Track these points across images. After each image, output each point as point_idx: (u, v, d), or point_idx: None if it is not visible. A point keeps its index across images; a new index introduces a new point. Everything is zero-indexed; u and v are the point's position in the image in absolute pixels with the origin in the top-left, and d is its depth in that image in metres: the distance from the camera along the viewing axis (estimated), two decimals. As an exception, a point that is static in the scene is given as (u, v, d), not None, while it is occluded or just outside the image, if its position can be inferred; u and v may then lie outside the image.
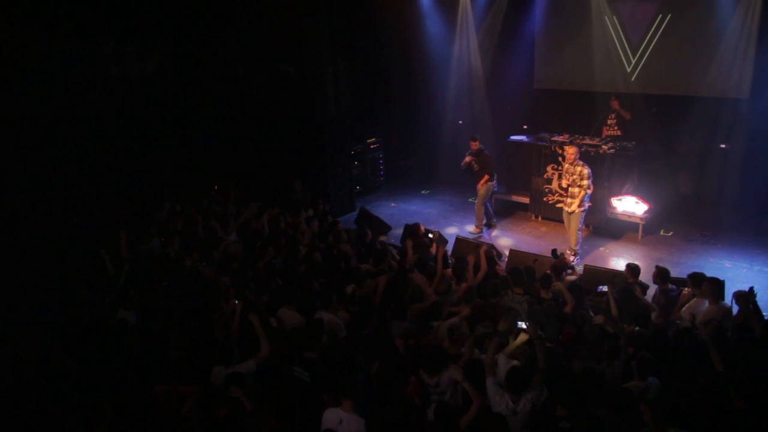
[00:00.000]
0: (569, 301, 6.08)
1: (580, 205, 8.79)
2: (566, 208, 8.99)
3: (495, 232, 10.29)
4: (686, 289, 6.43)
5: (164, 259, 7.30)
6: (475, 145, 9.96)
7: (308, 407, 4.45)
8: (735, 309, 5.89)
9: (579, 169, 8.77)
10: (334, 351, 5.13)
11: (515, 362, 4.84)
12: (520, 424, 4.30)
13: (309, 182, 10.60)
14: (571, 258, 8.75)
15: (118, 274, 6.65)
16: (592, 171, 8.87)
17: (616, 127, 10.64)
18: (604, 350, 4.83)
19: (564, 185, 8.98)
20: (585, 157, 9.40)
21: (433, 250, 8.20)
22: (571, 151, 8.87)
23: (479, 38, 12.44)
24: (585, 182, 8.72)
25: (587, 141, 10.11)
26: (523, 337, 4.93)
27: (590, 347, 5.05)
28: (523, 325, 4.99)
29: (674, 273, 7.06)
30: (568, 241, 9.15)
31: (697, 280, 6.14)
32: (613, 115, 10.66)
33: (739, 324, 5.55)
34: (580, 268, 8.14)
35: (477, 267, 6.85)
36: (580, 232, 8.96)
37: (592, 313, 6.12)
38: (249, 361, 4.80)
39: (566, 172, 8.95)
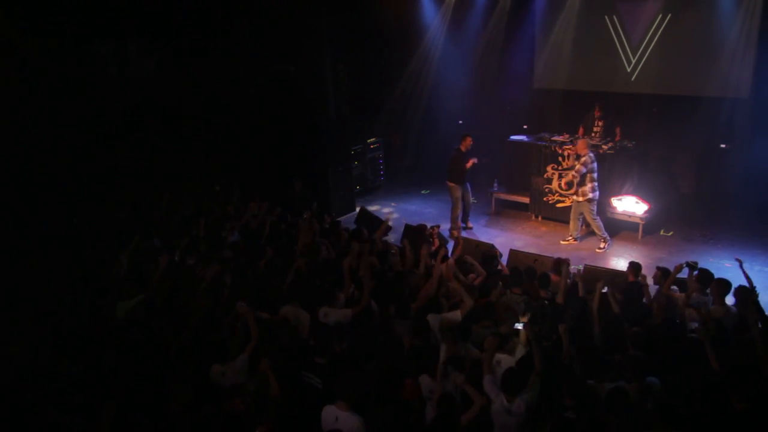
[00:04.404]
0: (561, 291, 6.07)
1: (583, 194, 9.07)
2: (576, 198, 9.30)
3: (494, 232, 10.30)
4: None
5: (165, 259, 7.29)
6: (470, 141, 10.05)
7: (320, 413, 4.44)
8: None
9: (584, 159, 9.05)
10: (343, 354, 5.11)
11: (516, 358, 4.86)
12: (515, 424, 4.31)
13: (309, 182, 10.60)
14: (602, 245, 9.27)
15: (116, 274, 6.66)
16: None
17: (601, 134, 10.60)
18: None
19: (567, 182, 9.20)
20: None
21: (435, 246, 8.22)
22: (580, 144, 9.19)
23: (479, 38, 12.44)
24: (577, 165, 9.04)
25: (587, 141, 10.10)
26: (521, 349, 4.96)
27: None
28: (519, 326, 4.99)
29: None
30: (569, 231, 9.60)
31: (706, 278, 6.13)
32: (600, 123, 10.62)
33: (737, 322, 5.56)
34: (580, 268, 8.16)
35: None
36: (597, 220, 9.20)
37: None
38: (242, 355, 4.83)
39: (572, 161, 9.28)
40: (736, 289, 5.88)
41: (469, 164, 9.96)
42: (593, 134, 10.63)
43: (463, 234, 9.91)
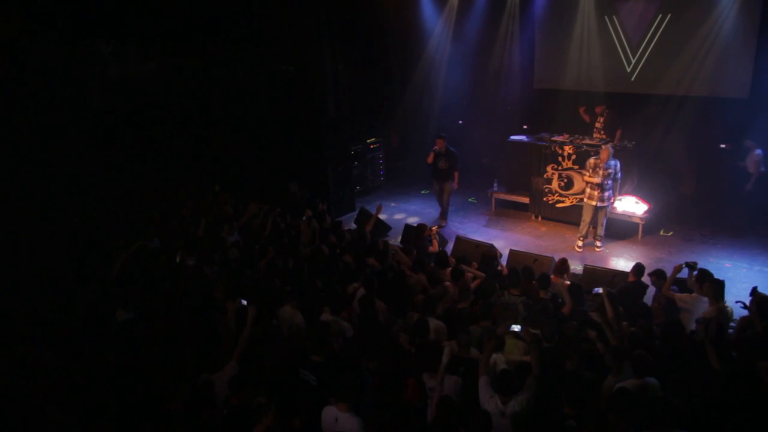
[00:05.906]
0: (567, 302, 6.07)
1: (606, 199, 9.04)
2: (596, 203, 8.98)
3: (494, 232, 10.30)
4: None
5: (165, 258, 7.30)
6: (441, 144, 10.21)
7: (315, 410, 4.44)
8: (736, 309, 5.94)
9: (614, 163, 8.96)
10: (339, 353, 5.11)
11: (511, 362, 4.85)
12: (509, 426, 4.29)
13: (309, 182, 10.60)
14: (598, 244, 9.23)
15: (114, 274, 6.66)
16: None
17: (602, 131, 10.65)
18: (610, 360, 4.80)
19: (595, 181, 8.97)
20: (585, 156, 9.44)
21: (434, 248, 8.22)
22: (606, 151, 8.93)
23: (479, 38, 12.44)
24: (619, 174, 9.01)
25: (587, 141, 10.12)
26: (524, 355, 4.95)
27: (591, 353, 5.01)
28: (516, 328, 4.98)
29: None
30: (578, 231, 9.36)
31: (702, 277, 6.15)
32: (601, 119, 10.68)
33: (743, 324, 5.58)
34: (580, 268, 8.16)
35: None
36: (605, 220, 9.22)
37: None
38: (231, 363, 4.80)
39: (596, 167, 8.94)
40: (751, 292, 5.92)
41: (429, 159, 10.35)
42: (594, 130, 10.67)
43: (463, 233, 9.90)
